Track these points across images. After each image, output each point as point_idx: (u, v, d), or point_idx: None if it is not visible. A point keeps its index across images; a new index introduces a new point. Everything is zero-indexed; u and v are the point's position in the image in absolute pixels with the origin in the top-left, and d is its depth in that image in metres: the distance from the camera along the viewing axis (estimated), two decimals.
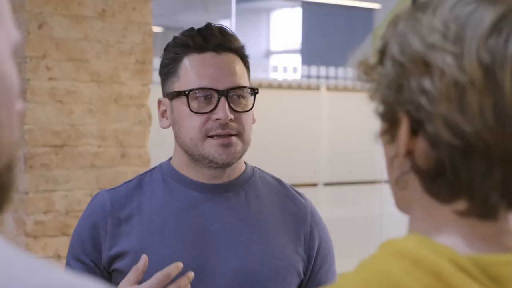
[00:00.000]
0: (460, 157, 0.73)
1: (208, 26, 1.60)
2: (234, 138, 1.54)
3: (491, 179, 0.73)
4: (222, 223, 1.57)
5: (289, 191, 1.68)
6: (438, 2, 0.77)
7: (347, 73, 5.82)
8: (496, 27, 0.73)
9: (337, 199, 5.30)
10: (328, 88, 5.58)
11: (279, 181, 1.70)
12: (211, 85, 1.54)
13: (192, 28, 1.61)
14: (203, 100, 1.54)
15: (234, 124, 1.54)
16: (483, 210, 0.75)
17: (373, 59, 0.81)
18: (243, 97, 1.57)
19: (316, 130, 5.16)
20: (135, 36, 3.79)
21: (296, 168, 4.98)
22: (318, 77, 5.65)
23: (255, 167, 1.69)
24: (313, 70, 5.61)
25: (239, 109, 1.56)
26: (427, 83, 0.74)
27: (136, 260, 1.46)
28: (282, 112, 4.98)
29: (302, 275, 1.62)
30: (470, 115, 0.72)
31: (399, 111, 0.77)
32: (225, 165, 1.56)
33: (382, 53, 0.80)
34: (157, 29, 6.43)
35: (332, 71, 5.90)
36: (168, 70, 1.60)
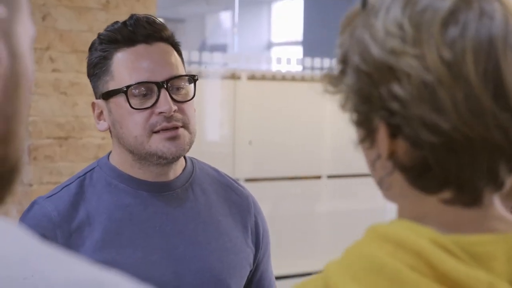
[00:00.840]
0: (444, 153, 0.74)
1: (133, 17, 1.52)
2: (181, 130, 1.49)
3: (479, 169, 0.74)
4: (176, 224, 1.53)
5: (228, 181, 1.66)
6: (388, 3, 0.77)
7: None
8: (449, 21, 0.73)
9: (340, 192, 5.29)
10: None
11: (217, 171, 1.67)
12: (149, 78, 1.48)
13: (116, 22, 1.54)
14: (143, 95, 1.48)
15: (178, 115, 1.49)
16: (469, 199, 0.76)
17: (336, 70, 0.82)
18: (182, 86, 1.52)
19: (320, 122, 5.14)
20: None
21: (299, 160, 4.97)
22: (321, 68, 5.63)
23: (192, 158, 1.65)
24: (317, 61, 5.57)
25: (180, 99, 1.51)
26: (396, 89, 0.74)
27: None
28: (286, 104, 4.96)
29: (252, 266, 1.62)
30: (445, 112, 0.72)
31: (374, 118, 0.77)
32: (174, 159, 1.51)
33: (344, 63, 0.80)
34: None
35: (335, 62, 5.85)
36: (99, 69, 1.52)
